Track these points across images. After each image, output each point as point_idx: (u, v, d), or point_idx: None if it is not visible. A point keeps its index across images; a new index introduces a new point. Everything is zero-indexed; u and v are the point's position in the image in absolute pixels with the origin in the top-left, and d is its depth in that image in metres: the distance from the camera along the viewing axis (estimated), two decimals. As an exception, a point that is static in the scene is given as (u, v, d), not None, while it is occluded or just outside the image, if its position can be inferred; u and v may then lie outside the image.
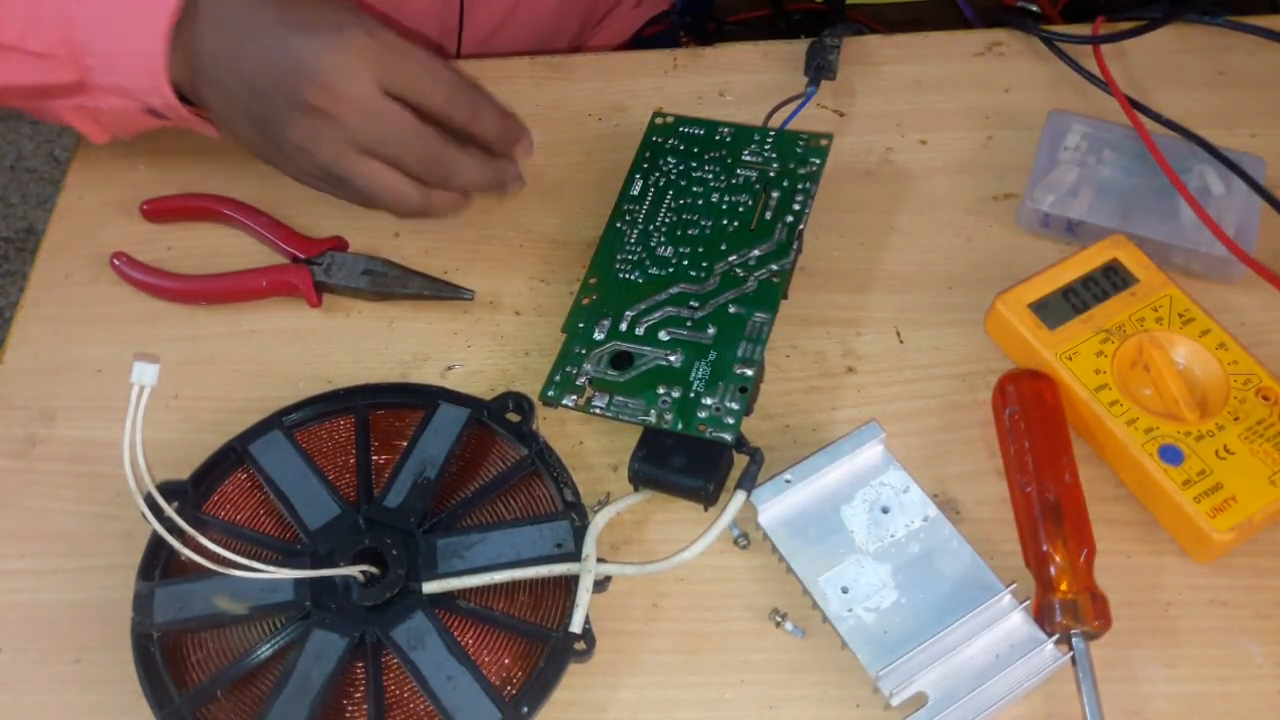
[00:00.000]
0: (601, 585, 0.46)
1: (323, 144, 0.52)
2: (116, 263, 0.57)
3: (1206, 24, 0.65)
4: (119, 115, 0.56)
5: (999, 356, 0.53)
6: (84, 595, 0.48)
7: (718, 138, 0.58)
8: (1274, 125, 0.61)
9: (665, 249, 0.54)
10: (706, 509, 0.49)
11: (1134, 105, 0.59)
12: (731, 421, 0.48)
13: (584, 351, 0.51)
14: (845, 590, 0.45)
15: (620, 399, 0.49)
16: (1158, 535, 0.47)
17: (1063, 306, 0.51)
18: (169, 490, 0.47)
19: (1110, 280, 0.52)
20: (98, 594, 0.48)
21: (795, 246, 0.53)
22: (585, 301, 0.53)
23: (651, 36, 0.86)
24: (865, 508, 0.47)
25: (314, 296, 0.56)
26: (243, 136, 0.56)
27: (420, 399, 0.51)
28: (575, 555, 0.46)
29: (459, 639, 0.45)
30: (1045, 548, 0.45)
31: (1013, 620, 0.44)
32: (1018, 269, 0.54)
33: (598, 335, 0.51)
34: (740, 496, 0.47)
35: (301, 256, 0.57)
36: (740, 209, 0.55)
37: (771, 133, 0.58)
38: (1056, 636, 0.44)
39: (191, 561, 0.41)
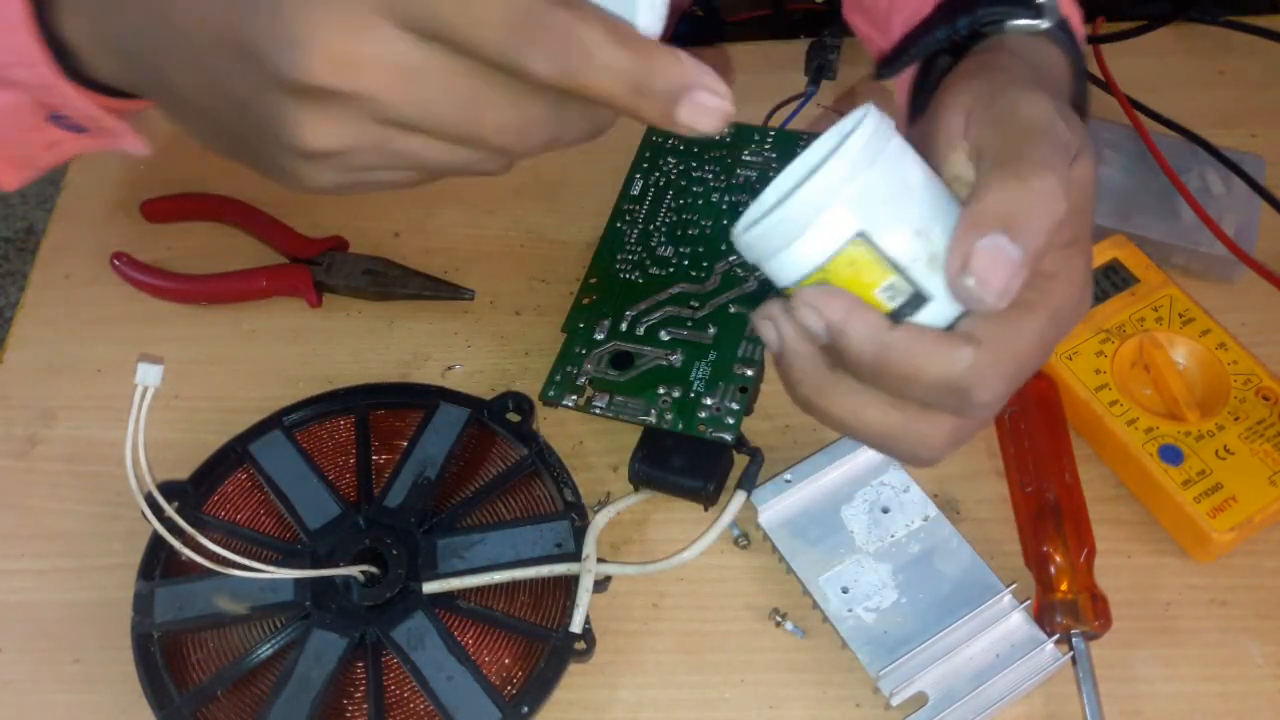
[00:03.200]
0: (601, 585, 0.46)
1: (344, 137, 0.32)
2: (116, 263, 0.57)
3: (1206, 24, 0.65)
4: (12, 129, 0.41)
5: (999, 356, 0.53)
6: (84, 595, 0.48)
7: (718, 137, 0.58)
8: (1274, 125, 0.61)
9: (665, 249, 0.54)
10: (706, 509, 0.49)
11: (1134, 105, 0.59)
12: (732, 421, 0.48)
13: (584, 351, 0.51)
14: (845, 590, 0.45)
15: (620, 399, 0.49)
16: (1158, 535, 0.47)
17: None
18: (169, 490, 0.47)
19: (1110, 280, 0.52)
20: (98, 594, 0.48)
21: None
22: (585, 301, 0.53)
23: None
24: (865, 508, 0.47)
25: (314, 296, 0.56)
26: (213, 144, 0.37)
27: (420, 399, 0.51)
28: (575, 555, 0.46)
29: (459, 639, 0.45)
30: (1045, 548, 0.45)
31: (1013, 620, 0.44)
32: (1018, 269, 0.54)
33: (598, 335, 0.51)
34: (740, 496, 0.47)
35: (301, 256, 0.57)
36: (740, 209, 0.55)
37: (771, 132, 0.58)
38: (1056, 636, 0.43)
39: (192, 561, 0.41)
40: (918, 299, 0.33)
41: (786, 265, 0.34)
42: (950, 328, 0.34)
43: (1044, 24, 0.43)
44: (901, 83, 0.49)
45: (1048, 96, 0.36)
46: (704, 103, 0.34)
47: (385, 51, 0.31)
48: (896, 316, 0.34)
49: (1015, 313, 0.34)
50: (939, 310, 0.34)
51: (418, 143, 0.33)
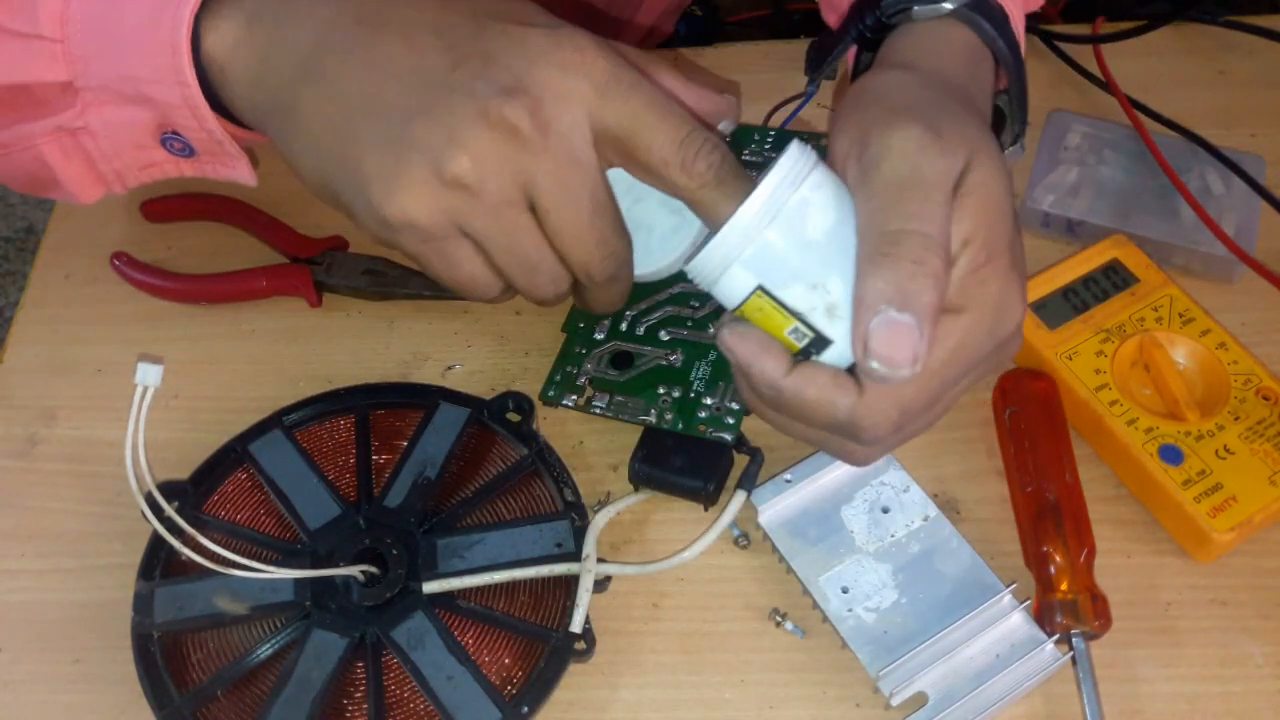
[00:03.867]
0: (601, 585, 0.46)
1: (489, 186, 0.37)
2: (116, 263, 0.57)
3: (1206, 24, 0.65)
4: (115, 143, 0.43)
5: (999, 356, 0.53)
6: (84, 595, 0.48)
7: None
8: (1274, 125, 0.61)
9: (665, 249, 0.54)
10: (706, 509, 0.49)
11: (1134, 105, 0.59)
12: (732, 421, 0.48)
13: (584, 351, 0.51)
14: (845, 590, 0.45)
15: (620, 399, 0.49)
16: (1158, 535, 0.47)
17: (1063, 306, 0.51)
18: (169, 490, 0.47)
19: (1110, 280, 0.52)
20: (98, 594, 0.48)
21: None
22: (585, 301, 0.53)
23: None
24: (865, 508, 0.47)
25: (314, 296, 0.56)
26: (323, 158, 0.39)
27: (420, 399, 0.51)
28: (575, 555, 0.46)
29: (459, 639, 0.45)
30: (1045, 548, 0.45)
31: (1013, 620, 0.44)
32: (1018, 269, 0.54)
33: (598, 335, 0.51)
34: (740, 496, 0.47)
35: (301, 256, 0.57)
36: (740, 209, 0.55)
37: (771, 132, 0.58)
38: (1056, 636, 0.43)
39: (192, 561, 0.41)
40: (820, 341, 0.37)
41: (719, 298, 0.38)
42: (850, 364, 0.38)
43: (947, 6, 0.44)
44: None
45: (913, 129, 0.36)
46: None
47: (567, 133, 0.38)
48: (805, 354, 0.38)
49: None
50: (841, 351, 0.37)
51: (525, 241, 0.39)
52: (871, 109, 0.38)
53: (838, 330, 0.37)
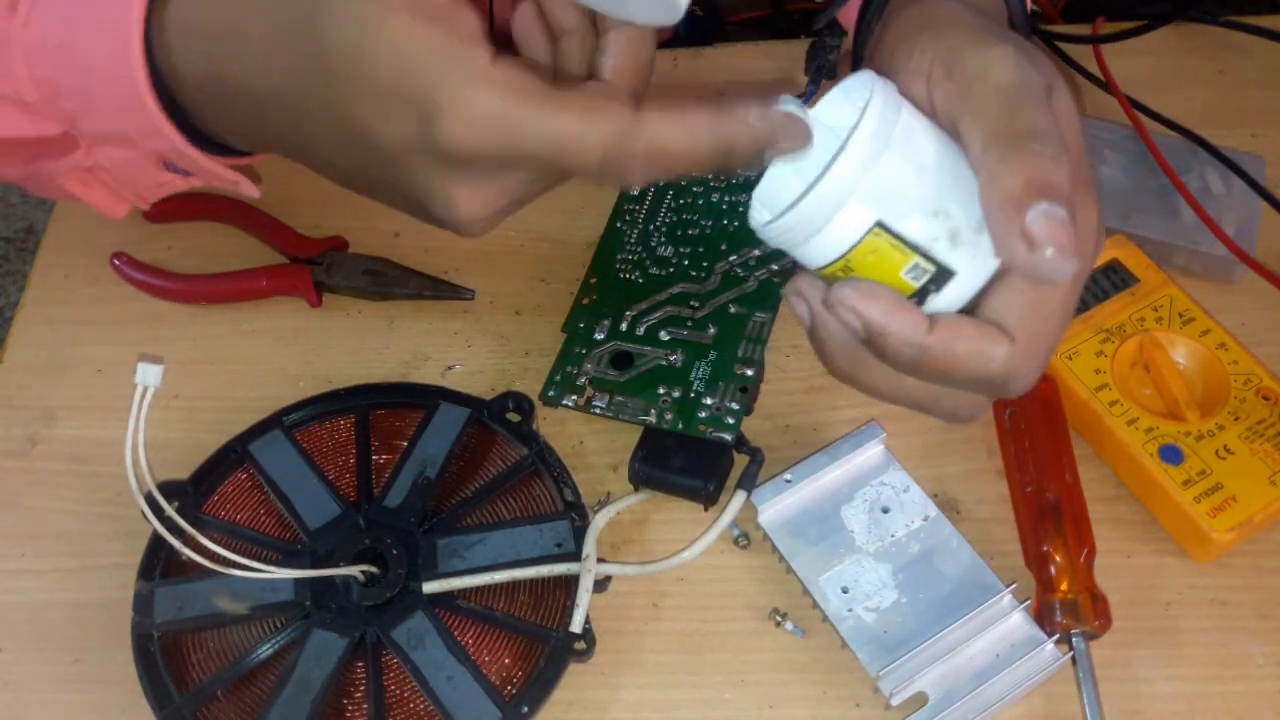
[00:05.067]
0: (601, 585, 0.46)
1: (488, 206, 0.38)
2: (116, 263, 0.57)
3: (1206, 24, 0.64)
4: (127, 174, 0.44)
5: (999, 356, 0.53)
6: (84, 595, 0.48)
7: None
8: (1274, 125, 0.60)
9: (665, 249, 0.54)
10: (706, 509, 0.49)
11: (1134, 105, 0.59)
12: (732, 421, 0.48)
13: (584, 351, 0.51)
14: (845, 590, 0.45)
15: (620, 399, 0.49)
16: (1158, 535, 0.47)
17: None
18: (169, 490, 0.47)
19: (1110, 280, 0.52)
20: (98, 594, 0.48)
21: (795, 246, 0.53)
22: (585, 301, 0.53)
23: None
24: (865, 508, 0.47)
25: (314, 296, 0.56)
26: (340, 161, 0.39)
27: (420, 399, 0.51)
28: (575, 555, 0.46)
29: (459, 639, 0.45)
30: (1045, 548, 0.45)
31: (1013, 620, 0.44)
32: (1018, 269, 0.54)
33: (598, 335, 0.51)
34: (740, 496, 0.47)
35: (301, 256, 0.57)
36: (740, 208, 0.55)
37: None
38: (1056, 636, 0.43)
39: (192, 561, 0.41)
40: (942, 275, 0.34)
41: (811, 255, 0.34)
42: (974, 302, 0.34)
43: None
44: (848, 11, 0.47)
45: (1008, 46, 0.35)
46: None
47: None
48: (922, 294, 0.34)
49: (1043, 293, 0.34)
50: (965, 283, 0.34)
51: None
52: (949, 31, 0.36)
53: (961, 259, 0.34)
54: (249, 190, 0.45)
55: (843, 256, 0.34)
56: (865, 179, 0.33)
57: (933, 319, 0.34)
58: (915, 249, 0.34)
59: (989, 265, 0.34)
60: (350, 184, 0.40)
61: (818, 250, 0.34)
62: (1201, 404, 0.49)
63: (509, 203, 0.38)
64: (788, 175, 0.35)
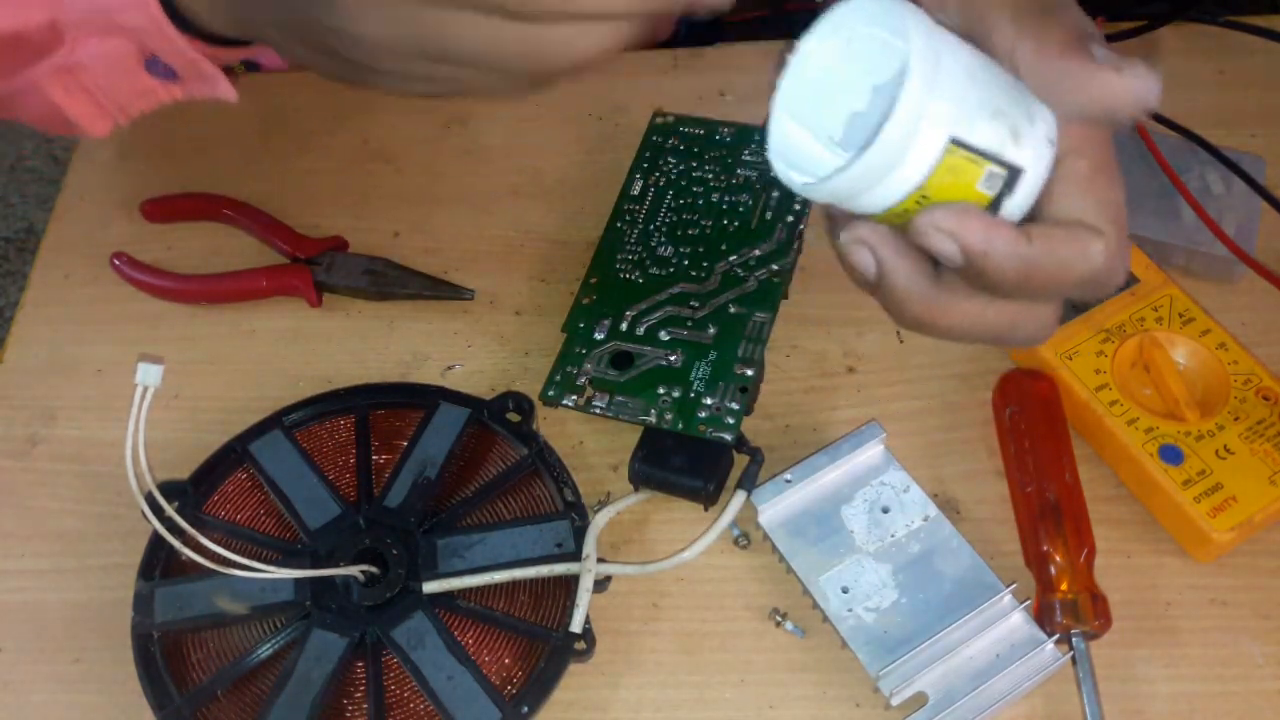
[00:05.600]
0: (601, 585, 0.46)
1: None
2: (116, 263, 0.57)
3: (1206, 24, 0.64)
4: (109, 76, 0.45)
5: (999, 356, 0.53)
6: (84, 595, 0.48)
7: (718, 137, 0.58)
8: (1274, 125, 0.60)
9: (666, 249, 0.54)
10: (706, 509, 0.49)
11: (1134, 105, 0.59)
12: (732, 421, 0.48)
13: (584, 351, 0.51)
14: (845, 590, 0.45)
15: (620, 399, 0.49)
16: (1158, 535, 0.47)
17: (1063, 306, 0.51)
18: (169, 490, 0.47)
19: (1110, 280, 0.52)
20: (98, 594, 0.48)
21: (796, 246, 0.53)
22: (585, 301, 0.53)
23: None
24: (865, 508, 0.47)
25: (314, 296, 0.56)
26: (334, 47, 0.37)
27: (420, 399, 0.51)
28: (575, 555, 0.46)
29: (459, 639, 0.45)
30: (1045, 548, 0.45)
31: (1013, 620, 0.44)
32: (1018, 269, 0.54)
33: (598, 335, 0.51)
34: (740, 496, 0.47)
35: (301, 256, 0.57)
36: (740, 209, 0.55)
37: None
38: (1056, 636, 0.43)
39: (192, 561, 0.41)
40: (1013, 177, 0.33)
41: (877, 198, 0.33)
42: (1035, 207, 0.34)
43: None
44: None
45: None
46: None
47: None
48: (998, 202, 0.33)
49: (1100, 182, 0.34)
50: (1033, 179, 0.33)
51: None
52: None
53: (1026, 154, 0.33)
54: (226, 92, 0.45)
55: (918, 188, 0.32)
56: (931, 100, 0.31)
57: (1028, 229, 0.33)
58: (988, 156, 0.32)
59: (1048, 154, 0.34)
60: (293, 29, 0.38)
61: (887, 190, 0.32)
62: (1201, 404, 0.49)
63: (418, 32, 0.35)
64: (812, 118, 0.33)
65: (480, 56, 0.35)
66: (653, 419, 0.48)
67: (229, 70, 0.46)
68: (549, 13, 0.34)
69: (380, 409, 0.51)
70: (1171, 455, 0.47)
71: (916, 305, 0.35)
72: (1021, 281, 0.33)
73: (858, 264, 0.35)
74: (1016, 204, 0.33)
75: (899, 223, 0.33)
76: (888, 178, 0.32)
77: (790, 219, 0.54)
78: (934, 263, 0.34)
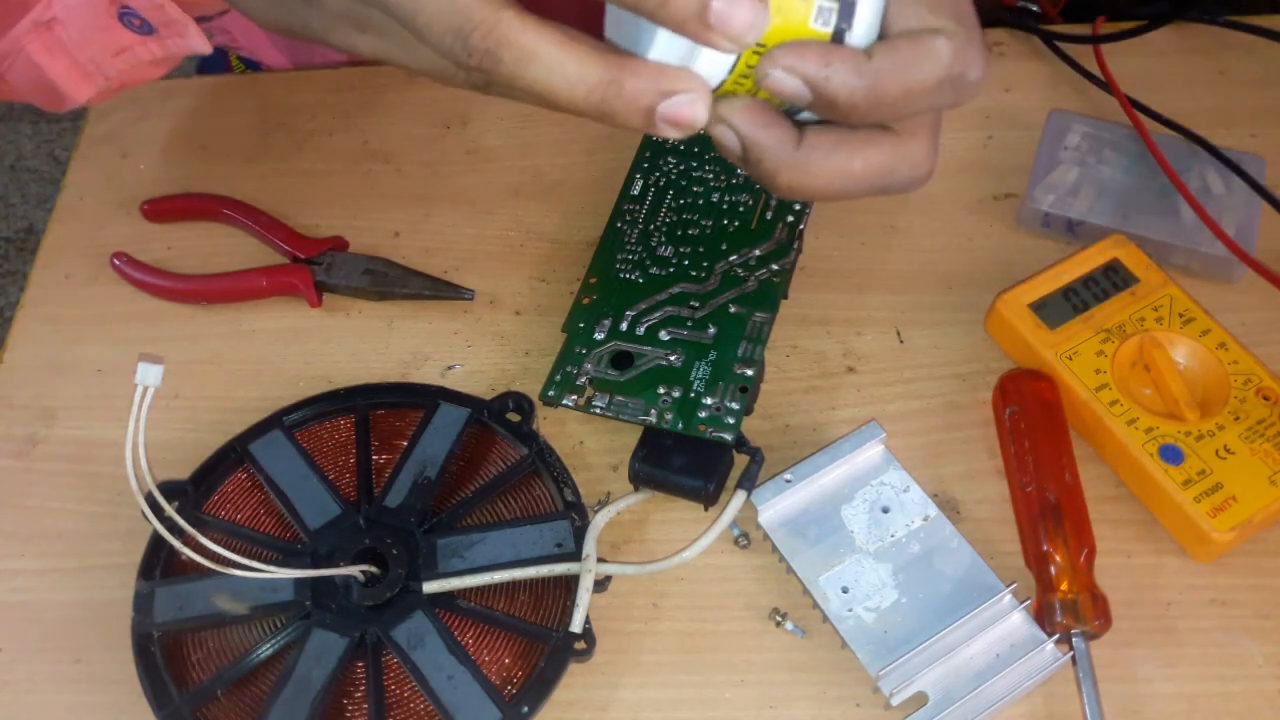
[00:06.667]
0: (601, 585, 0.46)
1: None
2: (116, 263, 0.57)
3: (1206, 24, 0.64)
4: (85, 31, 0.45)
5: (999, 356, 0.53)
6: (84, 595, 0.48)
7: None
8: (1274, 125, 0.60)
9: (666, 249, 0.54)
10: (706, 509, 0.49)
11: (1134, 105, 0.59)
12: (732, 421, 0.48)
13: (584, 351, 0.51)
14: (845, 590, 0.45)
15: (620, 399, 0.49)
16: (1158, 535, 0.47)
17: (1063, 306, 0.51)
18: (169, 490, 0.47)
19: (1110, 280, 0.52)
20: (98, 594, 0.48)
21: (796, 246, 0.53)
22: (585, 301, 0.53)
23: None
24: (865, 507, 0.47)
25: (314, 296, 0.56)
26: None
27: (420, 399, 0.51)
28: (575, 555, 0.46)
29: (459, 639, 0.45)
30: (1045, 548, 0.45)
31: (1013, 620, 0.44)
32: (1018, 269, 0.54)
33: (598, 335, 0.51)
34: (740, 496, 0.47)
35: (301, 256, 0.57)
36: (741, 208, 0.55)
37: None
38: (1056, 636, 0.44)
39: (192, 561, 0.41)
40: (847, 6, 0.32)
41: (719, 62, 0.32)
42: (880, 23, 0.33)
43: None
44: None
45: None
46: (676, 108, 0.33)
47: None
48: (839, 36, 0.33)
49: None
50: (868, 5, 0.33)
51: None
52: None
53: None
54: (199, 42, 0.45)
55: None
56: None
57: (866, 50, 0.33)
58: None
59: None
60: None
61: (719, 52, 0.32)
62: (1201, 404, 0.49)
63: None
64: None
65: (406, 16, 0.33)
66: (653, 419, 0.48)
67: (203, 21, 0.45)
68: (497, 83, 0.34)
69: (380, 409, 0.51)
70: (1171, 455, 0.47)
71: (785, 172, 0.35)
72: (874, 101, 0.33)
73: (722, 141, 0.35)
74: (859, 35, 0.33)
75: (755, 86, 0.33)
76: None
77: (790, 219, 0.54)
78: (798, 130, 0.34)
